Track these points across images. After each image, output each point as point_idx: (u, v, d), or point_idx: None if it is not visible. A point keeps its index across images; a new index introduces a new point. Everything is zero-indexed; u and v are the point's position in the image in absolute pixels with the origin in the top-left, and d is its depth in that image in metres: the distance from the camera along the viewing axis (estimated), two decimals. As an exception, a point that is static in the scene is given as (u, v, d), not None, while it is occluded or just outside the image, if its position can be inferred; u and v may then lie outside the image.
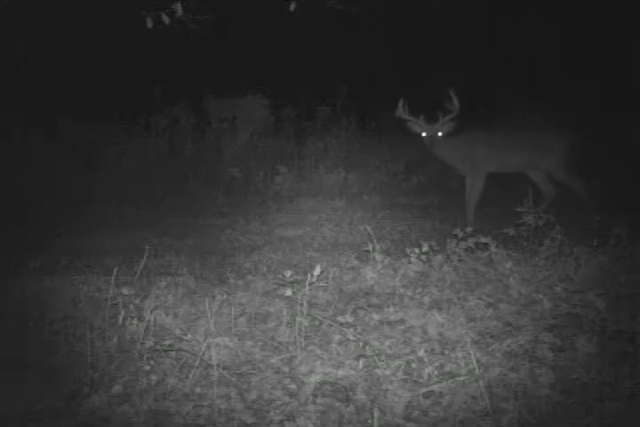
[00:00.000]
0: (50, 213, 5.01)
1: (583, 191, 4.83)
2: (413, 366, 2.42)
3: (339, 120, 7.30)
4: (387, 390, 2.26)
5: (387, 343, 2.59)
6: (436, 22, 8.85)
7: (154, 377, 2.33)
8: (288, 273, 2.83)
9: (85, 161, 6.48)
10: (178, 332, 2.63)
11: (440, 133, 4.83)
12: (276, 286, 3.29)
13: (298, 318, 2.69)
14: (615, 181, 5.63)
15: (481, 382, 2.21)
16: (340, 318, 2.69)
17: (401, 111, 4.85)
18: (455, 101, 4.77)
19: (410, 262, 3.27)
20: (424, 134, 4.83)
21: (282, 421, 2.10)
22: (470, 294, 3.00)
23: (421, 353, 2.44)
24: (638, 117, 6.45)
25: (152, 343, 2.49)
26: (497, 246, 3.22)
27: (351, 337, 2.62)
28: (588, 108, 6.93)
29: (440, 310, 2.86)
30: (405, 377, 2.34)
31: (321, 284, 3.12)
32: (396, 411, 2.14)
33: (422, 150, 6.59)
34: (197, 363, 2.41)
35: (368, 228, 3.67)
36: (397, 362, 2.43)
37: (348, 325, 2.69)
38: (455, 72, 8.23)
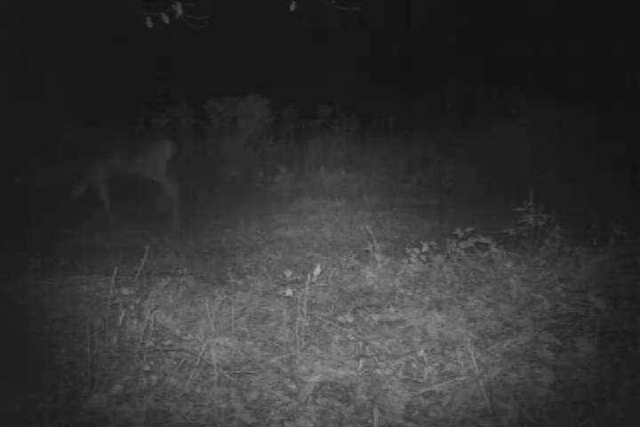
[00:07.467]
0: (50, 213, 5.01)
1: (173, 193, 5.26)
2: (413, 366, 2.42)
3: (339, 120, 7.31)
4: (387, 390, 2.26)
5: (387, 343, 2.59)
6: (435, 22, 8.84)
7: (154, 377, 2.33)
8: (288, 273, 2.84)
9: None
10: (178, 332, 2.63)
11: None
12: (275, 286, 3.30)
13: (298, 318, 2.69)
14: (615, 181, 5.64)
15: (481, 382, 2.21)
16: (340, 318, 2.69)
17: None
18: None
19: (410, 262, 3.28)
20: None
21: (282, 421, 2.10)
22: (470, 294, 3.01)
23: (421, 353, 2.44)
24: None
25: (152, 343, 2.50)
26: (497, 246, 3.22)
27: (351, 337, 2.63)
28: (588, 107, 6.92)
29: (440, 310, 2.86)
30: (405, 377, 2.34)
31: (321, 284, 3.13)
32: (396, 411, 2.14)
33: (422, 151, 6.59)
34: (197, 363, 2.41)
35: (368, 228, 3.68)
36: (397, 362, 2.43)
37: (348, 325, 2.69)
38: (454, 72, 8.23)
